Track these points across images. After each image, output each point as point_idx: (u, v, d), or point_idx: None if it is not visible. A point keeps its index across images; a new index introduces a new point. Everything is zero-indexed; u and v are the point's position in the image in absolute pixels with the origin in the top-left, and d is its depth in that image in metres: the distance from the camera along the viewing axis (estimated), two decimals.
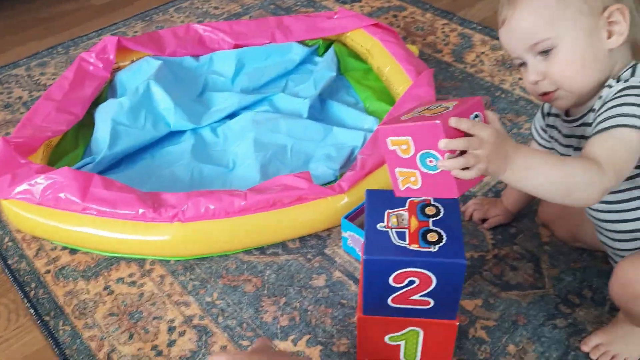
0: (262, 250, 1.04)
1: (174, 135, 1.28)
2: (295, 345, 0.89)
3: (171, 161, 1.21)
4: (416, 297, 0.74)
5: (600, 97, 0.71)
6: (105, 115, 1.25)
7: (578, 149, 0.78)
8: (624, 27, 0.68)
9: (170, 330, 0.92)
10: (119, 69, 1.42)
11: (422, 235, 0.72)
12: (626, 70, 0.70)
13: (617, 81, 0.70)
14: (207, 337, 0.91)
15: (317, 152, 1.21)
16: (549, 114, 0.85)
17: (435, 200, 0.77)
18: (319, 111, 1.32)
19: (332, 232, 1.06)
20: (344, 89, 1.40)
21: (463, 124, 0.60)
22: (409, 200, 0.77)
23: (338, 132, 1.24)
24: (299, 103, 1.31)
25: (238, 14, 1.74)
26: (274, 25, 1.49)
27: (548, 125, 0.86)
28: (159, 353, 0.89)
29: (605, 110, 0.67)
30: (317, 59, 1.48)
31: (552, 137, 0.86)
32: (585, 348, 0.84)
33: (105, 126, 1.22)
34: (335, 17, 1.50)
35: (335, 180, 1.11)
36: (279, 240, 1.04)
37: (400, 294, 0.74)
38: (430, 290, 0.73)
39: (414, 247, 0.71)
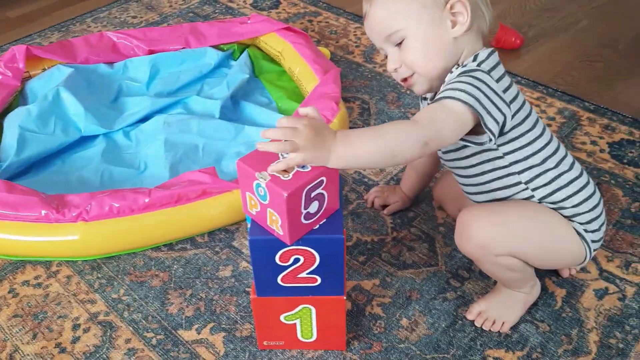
0: (170, 246, 1.06)
1: (85, 140, 1.28)
2: (199, 333, 0.91)
3: (81, 165, 1.21)
4: (303, 274, 0.78)
5: (444, 83, 0.77)
6: (13, 123, 1.25)
7: None
8: (465, 17, 0.75)
9: (75, 327, 0.93)
10: (30, 77, 1.41)
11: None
12: (470, 57, 0.77)
13: (458, 67, 0.77)
14: (112, 332, 0.92)
15: (228, 150, 1.24)
16: (422, 98, 0.91)
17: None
18: (232, 112, 1.35)
19: (240, 226, 1.09)
20: (258, 91, 1.44)
21: (277, 131, 0.67)
22: None
23: (250, 131, 1.28)
24: (211, 104, 1.34)
25: (156, 22, 1.76)
26: (188, 31, 1.52)
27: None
28: (63, 350, 0.90)
29: (439, 93, 0.74)
30: (233, 62, 1.52)
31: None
32: (470, 316, 0.90)
33: (12, 133, 1.22)
34: (249, 22, 1.54)
35: None
36: (186, 236, 1.06)
37: (288, 272, 0.78)
38: (316, 267, 0.77)
39: None
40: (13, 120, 1.25)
